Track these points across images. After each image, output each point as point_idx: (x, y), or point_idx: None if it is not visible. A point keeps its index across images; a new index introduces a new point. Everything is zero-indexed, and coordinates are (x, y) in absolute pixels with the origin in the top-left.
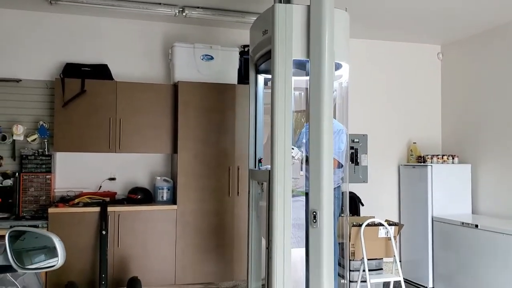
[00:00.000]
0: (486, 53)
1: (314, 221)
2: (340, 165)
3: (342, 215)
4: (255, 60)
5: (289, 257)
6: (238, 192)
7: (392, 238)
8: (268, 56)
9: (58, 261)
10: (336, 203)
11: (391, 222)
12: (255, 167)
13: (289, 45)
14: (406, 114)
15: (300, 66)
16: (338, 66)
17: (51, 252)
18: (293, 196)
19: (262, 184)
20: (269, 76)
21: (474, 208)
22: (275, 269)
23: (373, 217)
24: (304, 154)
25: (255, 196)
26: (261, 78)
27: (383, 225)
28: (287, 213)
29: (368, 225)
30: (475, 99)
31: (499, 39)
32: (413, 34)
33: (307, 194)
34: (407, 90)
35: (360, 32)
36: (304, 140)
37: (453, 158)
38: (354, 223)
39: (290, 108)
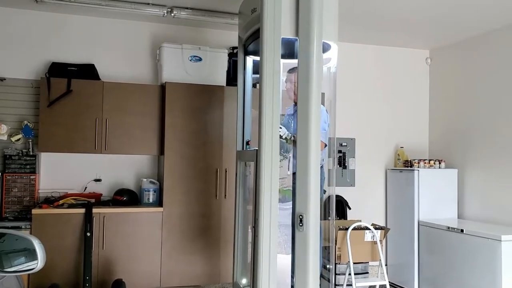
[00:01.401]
0: (474, 59)
1: (301, 224)
2: (324, 145)
3: (329, 218)
4: (244, 41)
5: (276, 236)
6: (225, 195)
7: (378, 242)
8: (257, 35)
9: (37, 264)
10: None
11: (377, 226)
12: (243, 150)
13: (277, 22)
14: (394, 118)
15: (289, 52)
16: (326, 48)
17: (32, 254)
18: (281, 201)
19: (249, 166)
20: (258, 73)
21: (460, 212)
22: (261, 246)
23: (360, 220)
24: (290, 135)
25: (242, 179)
26: (249, 60)
27: (369, 229)
28: (274, 192)
29: (354, 228)
30: (462, 104)
31: (486, 45)
32: (402, 38)
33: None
34: (395, 95)
35: (349, 36)
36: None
37: (439, 163)
38: (341, 227)
39: (278, 86)
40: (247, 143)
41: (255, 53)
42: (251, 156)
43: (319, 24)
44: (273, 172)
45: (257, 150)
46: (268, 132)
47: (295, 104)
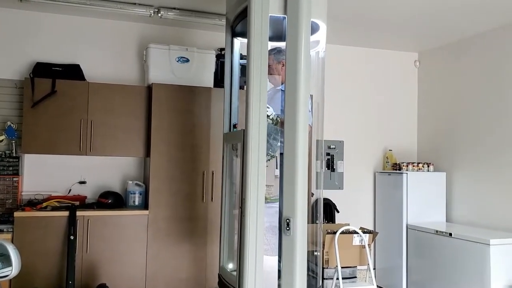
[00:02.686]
0: (463, 62)
1: (288, 228)
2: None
3: (317, 222)
4: (231, 22)
5: (262, 216)
6: (212, 198)
7: (367, 246)
8: (244, 14)
9: (12, 271)
10: None
11: (365, 230)
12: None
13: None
14: (383, 121)
15: (276, 34)
16: (315, 28)
17: (6, 260)
18: (266, 202)
19: (236, 150)
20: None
21: (448, 216)
22: (248, 226)
23: (348, 224)
24: (277, 115)
25: (229, 163)
26: (237, 42)
27: (357, 232)
28: (261, 172)
29: (342, 232)
30: (450, 107)
31: (475, 48)
32: (390, 41)
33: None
34: (383, 97)
35: (337, 38)
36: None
37: (428, 166)
38: (329, 231)
39: (265, 65)
40: (234, 126)
41: (243, 34)
42: (238, 136)
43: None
44: (260, 152)
45: (244, 130)
46: (255, 111)
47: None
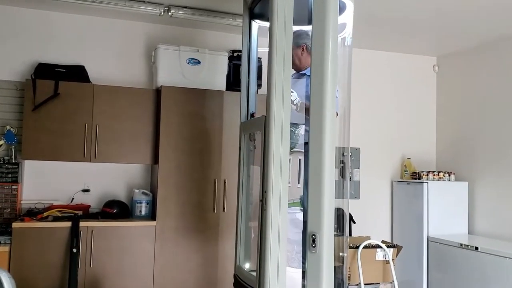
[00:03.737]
0: (483, 67)
1: (313, 245)
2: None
3: (342, 234)
4: (249, 3)
5: (285, 210)
6: (223, 208)
7: (391, 261)
8: None
9: None
10: None
11: (389, 244)
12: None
13: None
14: (400, 127)
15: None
16: (342, 7)
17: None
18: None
19: (254, 140)
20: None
21: (470, 228)
22: (270, 220)
23: (369, 237)
24: (300, 101)
25: (247, 153)
26: (255, 25)
27: (381, 247)
28: (285, 163)
29: (365, 247)
30: (471, 113)
31: (496, 53)
32: (408, 44)
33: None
34: (401, 103)
35: (353, 41)
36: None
37: (449, 175)
38: (351, 245)
39: (290, 45)
40: (252, 115)
41: (262, 16)
42: (258, 124)
43: None
44: (284, 141)
45: (265, 116)
46: (278, 95)
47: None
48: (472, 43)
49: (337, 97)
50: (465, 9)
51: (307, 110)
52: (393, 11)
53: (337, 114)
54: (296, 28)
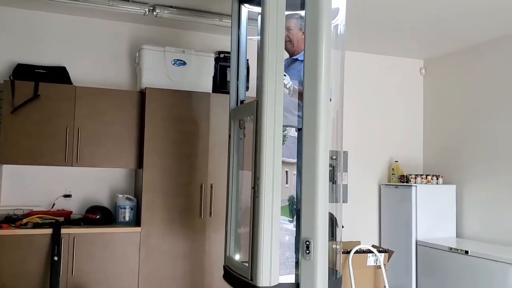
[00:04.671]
0: (471, 69)
1: (307, 252)
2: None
3: (336, 240)
4: None
5: (279, 195)
6: (210, 213)
7: (382, 267)
8: None
9: None
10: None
11: (380, 249)
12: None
13: None
14: (387, 130)
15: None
16: None
17: None
18: None
19: (244, 128)
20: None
21: (458, 231)
22: (263, 207)
23: (359, 242)
24: (293, 85)
25: (236, 142)
26: (244, 10)
27: (372, 252)
28: (277, 149)
29: (356, 252)
30: (458, 116)
31: (484, 55)
32: (395, 47)
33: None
34: (388, 105)
35: None
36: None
37: (437, 178)
38: (342, 250)
39: (282, 27)
40: (241, 102)
41: (251, 0)
42: (249, 109)
43: None
44: (276, 126)
45: (257, 100)
46: (271, 78)
47: (290, 56)
48: (459, 46)
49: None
50: (452, 12)
51: (300, 95)
52: (379, 13)
53: (330, 100)
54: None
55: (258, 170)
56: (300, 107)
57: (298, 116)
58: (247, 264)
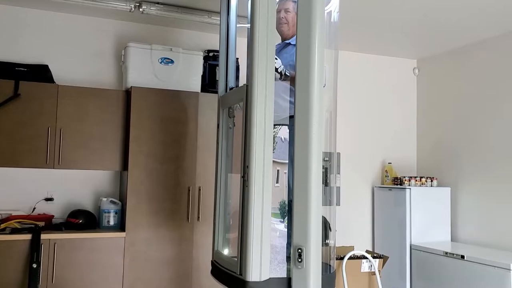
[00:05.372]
0: (464, 69)
1: (299, 260)
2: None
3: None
4: None
5: (270, 184)
6: (198, 217)
7: (377, 273)
8: None
9: None
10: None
11: (375, 255)
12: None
13: None
14: (380, 131)
15: None
16: None
17: None
18: None
19: (233, 117)
20: None
21: (453, 235)
22: (253, 196)
23: (353, 247)
24: (285, 70)
25: (225, 131)
26: None
27: (366, 257)
28: (268, 136)
29: (349, 258)
30: (452, 117)
31: (478, 55)
32: (388, 47)
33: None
34: (380, 106)
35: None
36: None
37: (431, 181)
38: (335, 256)
39: (274, 7)
40: (231, 89)
41: None
42: (239, 94)
43: None
44: (267, 111)
45: (247, 85)
46: (261, 62)
47: (283, 39)
48: (453, 46)
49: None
50: (445, 12)
51: (292, 80)
52: (372, 13)
53: (324, 85)
54: None
55: (248, 158)
56: (292, 93)
57: (290, 102)
58: (236, 259)
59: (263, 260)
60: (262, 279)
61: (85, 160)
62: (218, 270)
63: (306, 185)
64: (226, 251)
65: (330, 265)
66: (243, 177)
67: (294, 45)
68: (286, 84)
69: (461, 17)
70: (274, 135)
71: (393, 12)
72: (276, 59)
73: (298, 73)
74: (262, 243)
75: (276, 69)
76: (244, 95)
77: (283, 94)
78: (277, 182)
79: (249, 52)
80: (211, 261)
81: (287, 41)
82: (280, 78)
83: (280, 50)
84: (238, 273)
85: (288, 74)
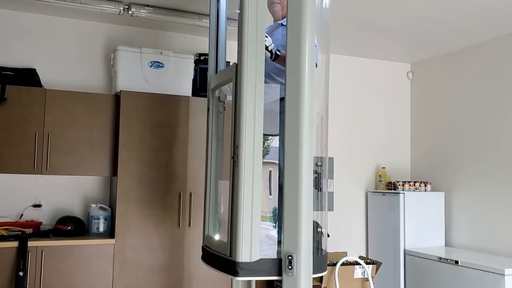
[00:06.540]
0: (459, 73)
1: (290, 267)
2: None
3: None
4: None
5: (260, 166)
6: (189, 223)
7: (370, 279)
8: None
9: None
10: None
11: (368, 261)
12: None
13: None
14: (374, 135)
15: None
16: None
17: None
18: None
19: (224, 102)
20: None
21: (447, 240)
22: (243, 177)
23: (346, 253)
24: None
25: (216, 115)
26: None
27: (359, 263)
28: (258, 115)
29: (342, 264)
30: (446, 121)
31: (472, 59)
32: (381, 51)
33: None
34: (374, 110)
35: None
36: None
37: (425, 185)
38: (328, 262)
39: None
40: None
41: None
42: (228, 74)
43: None
44: (257, 91)
45: (236, 64)
46: (251, 40)
47: (275, 20)
48: (446, 50)
49: (316, 46)
50: (439, 16)
51: (283, 60)
52: (366, 16)
53: (316, 66)
54: None
55: (238, 138)
56: (283, 73)
57: (281, 84)
58: (226, 241)
59: (254, 240)
60: (253, 260)
61: (74, 165)
62: (209, 254)
63: (296, 190)
64: (217, 237)
65: (322, 249)
66: (233, 157)
67: (285, 25)
68: (277, 65)
69: (455, 21)
70: (267, 144)
71: (387, 16)
72: (266, 37)
73: (289, 51)
74: (252, 223)
75: (267, 47)
76: (234, 74)
77: (274, 75)
78: (270, 195)
79: (239, 30)
80: (202, 246)
81: (279, 22)
82: (271, 58)
83: (272, 31)
84: (228, 255)
85: (279, 54)
